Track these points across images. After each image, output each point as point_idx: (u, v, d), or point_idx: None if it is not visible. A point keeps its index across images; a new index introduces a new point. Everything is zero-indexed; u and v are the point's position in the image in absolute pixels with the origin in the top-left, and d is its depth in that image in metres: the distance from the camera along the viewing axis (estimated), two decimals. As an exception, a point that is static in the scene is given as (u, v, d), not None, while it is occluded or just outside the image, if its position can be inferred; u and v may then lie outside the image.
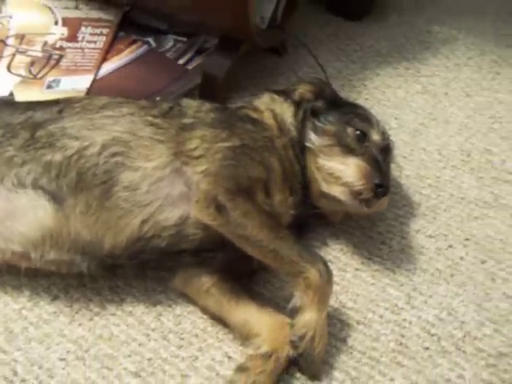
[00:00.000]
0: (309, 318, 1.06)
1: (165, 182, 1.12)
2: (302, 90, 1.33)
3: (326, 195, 1.23)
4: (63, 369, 1.10)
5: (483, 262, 1.28)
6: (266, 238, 1.08)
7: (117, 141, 1.13)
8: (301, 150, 1.27)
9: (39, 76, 1.53)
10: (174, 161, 1.13)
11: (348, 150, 1.23)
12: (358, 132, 1.25)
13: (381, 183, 1.17)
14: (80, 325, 1.16)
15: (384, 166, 1.24)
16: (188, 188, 1.12)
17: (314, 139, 1.26)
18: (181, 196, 1.12)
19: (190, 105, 1.24)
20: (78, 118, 1.16)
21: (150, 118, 1.18)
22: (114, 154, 1.12)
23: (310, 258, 1.08)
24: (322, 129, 1.27)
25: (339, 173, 1.20)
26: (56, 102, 1.22)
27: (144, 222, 1.11)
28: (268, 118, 1.28)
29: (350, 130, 1.25)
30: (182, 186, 1.12)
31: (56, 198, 1.10)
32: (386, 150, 1.28)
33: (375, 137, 1.27)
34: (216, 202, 1.09)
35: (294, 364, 1.09)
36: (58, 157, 1.12)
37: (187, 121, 1.19)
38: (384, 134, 1.30)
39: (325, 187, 1.23)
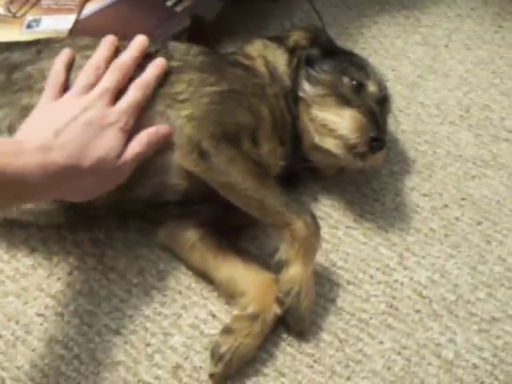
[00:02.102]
0: (294, 272, 1.01)
1: (146, 125, 1.05)
2: (297, 37, 1.26)
3: (318, 148, 1.18)
4: (41, 324, 1.05)
5: (479, 223, 1.24)
6: (250, 187, 1.03)
7: None
8: (293, 99, 1.21)
9: (18, 15, 1.44)
10: (158, 103, 1.07)
11: (343, 101, 1.17)
12: (354, 82, 1.19)
13: (377, 137, 1.12)
14: (59, 279, 1.11)
15: (380, 119, 1.18)
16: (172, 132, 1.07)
17: (307, 89, 1.20)
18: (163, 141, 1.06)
19: (177, 48, 1.17)
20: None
21: None
22: None
23: (297, 209, 1.03)
24: (317, 78, 1.20)
25: (333, 124, 1.15)
26: (36, 42, 1.15)
27: None
28: (260, 66, 1.22)
29: (345, 79, 1.19)
30: None
31: None
32: (382, 102, 1.23)
33: (372, 88, 1.21)
34: (199, 147, 1.04)
35: (280, 323, 1.05)
36: (35, 100, 1.04)
37: (174, 64, 1.12)
38: (381, 85, 1.24)
39: (317, 139, 1.17)
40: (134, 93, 1.02)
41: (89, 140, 0.95)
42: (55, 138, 0.92)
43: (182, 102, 1.08)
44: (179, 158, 1.06)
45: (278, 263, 1.03)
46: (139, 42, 1.09)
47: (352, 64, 1.24)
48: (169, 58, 1.13)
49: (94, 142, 0.95)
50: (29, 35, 1.34)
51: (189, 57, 1.15)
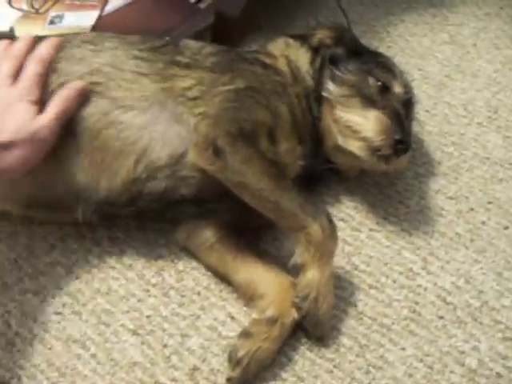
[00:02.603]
0: (311, 276, 0.99)
1: (148, 115, 1.04)
2: (321, 36, 1.24)
3: (341, 149, 1.16)
4: (59, 323, 1.05)
5: (506, 228, 1.21)
6: (266, 188, 1.01)
7: (96, 73, 1.06)
8: (316, 99, 1.18)
9: (41, 11, 1.44)
10: (165, 97, 1.06)
11: (368, 102, 1.14)
12: (379, 83, 1.16)
13: (401, 139, 1.09)
14: (77, 277, 1.10)
15: (406, 122, 1.15)
16: (181, 126, 1.05)
17: (331, 89, 1.18)
18: (171, 132, 1.05)
19: (190, 45, 1.15)
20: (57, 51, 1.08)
21: (135, 52, 1.09)
22: (93, 86, 1.05)
23: (313, 212, 1.01)
24: (341, 78, 1.18)
25: (357, 126, 1.12)
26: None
27: (137, 161, 1.04)
28: (282, 65, 1.19)
29: (371, 80, 1.17)
30: (174, 124, 1.05)
31: None
32: (408, 103, 1.20)
33: (398, 89, 1.18)
34: (215, 145, 1.02)
35: (300, 328, 1.03)
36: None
37: (181, 59, 1.11)
38: (407, 87, 1.21)
39: (341, 141, 1.15)
40: (30, 66, 1.05)
41: None
42: None
43: (194, 99, 1.07)
44: (194, 156, 1.04)
45: (294, 267, 1.02)
46: (27, 36, 1.12)
47: (378, 64, 1.21)
48: (177, 53, 1.12)
49: (5, 119, 0.99)
50: (51, 31, 1.33)
51: (199, 56, 1.13)
